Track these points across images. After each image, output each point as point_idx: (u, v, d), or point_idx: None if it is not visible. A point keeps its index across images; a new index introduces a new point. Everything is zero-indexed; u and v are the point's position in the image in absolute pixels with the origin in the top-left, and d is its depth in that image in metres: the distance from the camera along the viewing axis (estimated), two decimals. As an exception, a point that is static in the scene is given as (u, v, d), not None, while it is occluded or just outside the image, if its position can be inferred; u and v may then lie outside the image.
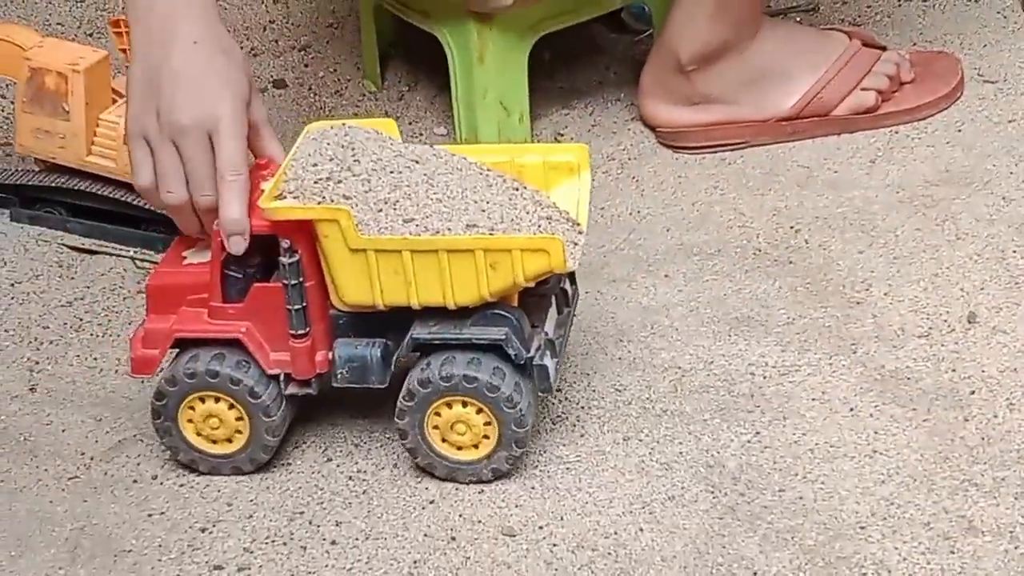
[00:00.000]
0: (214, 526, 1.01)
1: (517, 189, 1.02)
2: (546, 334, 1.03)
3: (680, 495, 1.02)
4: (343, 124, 1.05)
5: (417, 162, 1.03)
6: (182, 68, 1.03)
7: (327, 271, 1.00)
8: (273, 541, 1.00)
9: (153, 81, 1.04)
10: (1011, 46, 1.43)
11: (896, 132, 1.36)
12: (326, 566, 0.98)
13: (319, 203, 0.98)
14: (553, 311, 1.05)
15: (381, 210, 0.99)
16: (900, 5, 1.51)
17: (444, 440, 1.02)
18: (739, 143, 1.36)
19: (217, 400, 1.03)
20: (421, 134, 1.44)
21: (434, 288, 0.99)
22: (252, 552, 0.99)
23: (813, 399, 1.09)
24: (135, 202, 1.27)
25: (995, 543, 0.95)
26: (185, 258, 1.06)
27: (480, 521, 1.01)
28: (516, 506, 1.02)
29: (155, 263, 1.25)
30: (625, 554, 0.98)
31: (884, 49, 1.38)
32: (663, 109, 1.38)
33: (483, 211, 0.99)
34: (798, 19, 1.52)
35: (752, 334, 1.16)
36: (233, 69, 1.05)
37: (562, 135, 1.42)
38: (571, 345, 1.14)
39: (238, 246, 1.01)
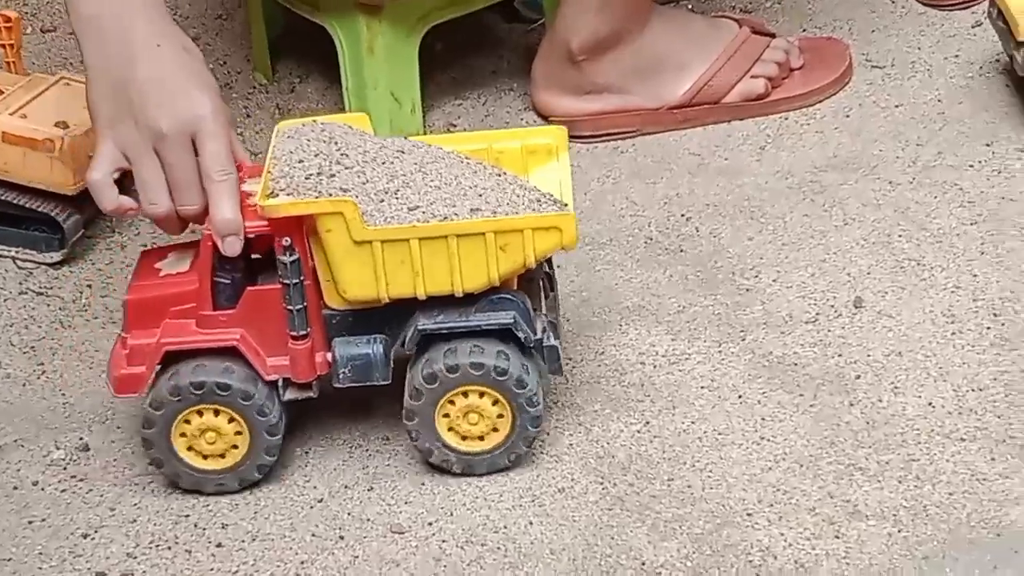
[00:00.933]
0: (96, 532, 1.00)
1: (500, 175, 1.02)
2: (547, 316, 1.02)
3: (570, 487, 1.02)
4: (314, 120, 1.03)
5: (402, 152, 1.02)
6: (151, 73, 1.00)
7: (325, 268, 0.98)
8: (157, 545, 0.99)
9: (121, 91, 1.00)
10: (899, 31, 1.45)
11: (786, 118, 1.37)
12: (211, 569, 0.97)
13: (316, 198, 0.96)
14: (542, 294, 1.05)
15: (383, 200, 0.97)
16: (791, -9, 1.52)
17: (456, 432, 1.00)
18: (631, 132, 1.36)
19: (216, 413, 0.99)
20: (313, 127, 1.42)
21: (442, 276, 0.97)
22: (136, 557, 0.98)
23: (702, 387, 1.10)
24: (15, 201, 1.24)
25: (879, 527, 0.97)
26: (160, 270, 1.03)
27: (369, 519, 1.00)
28: (406, 503, 1.02)
29: (37, 263, 1.23)
30: (514, 548, 0.98)
31: (773, 36, 1.39)
32: (555, 99, 1.38)
33: (480, 196, 0.99)
34: (690, 6, 1.53)
35: (643, 323, 1.16)
36: (201, 67, 1.03)
37: (455, 125, 1.41)
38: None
39: (233, 247, 0.98)
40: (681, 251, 1.24)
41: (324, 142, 1.00)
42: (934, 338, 1.11)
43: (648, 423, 1.07)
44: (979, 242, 1.19)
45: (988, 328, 1.11)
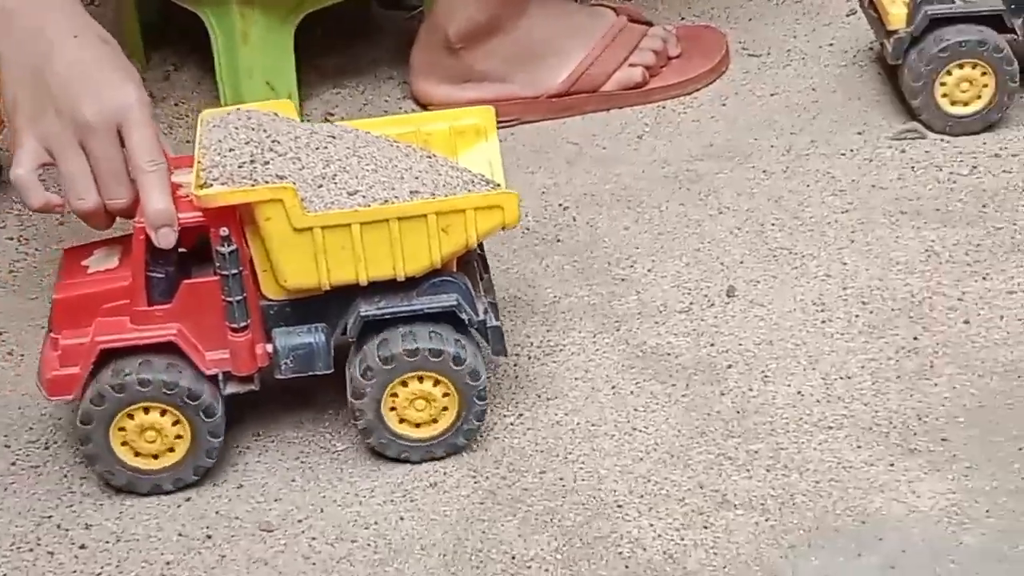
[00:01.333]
0: (-46, 536, 0.98)
1: (431, 157, 1.01)
2: (485, 297, 1.02)
3: (442, 481, 1.02)
4: (238, 108, 1.02)
5: (333, 137, 1.00)
6: (71, 64, 0.97)
7: (262, 257, 0.97)
8: (19, 548, 0.97)
9: (40, 85, 0.97)
10: (775, 19, 1.46)
11: (663, 107, 1.37)
12: (74, 571, 0.95)
13: (253, 186, 0.94)
14: (478, 276, 1.04)
15: (321, 186, 0.96)
16: (670, -21, 1.53)
17: (401, 419, 1.00)
18: (510, 120, 1.36)
19: (162, 412, 0.97)
20: (187, 115, 1.40)
21: (384, 260, 0.97)
22: (-5, 561, 0.96)
23: (576, 379, 1.10)
24: None
25: (747, 516, 0.97)
26: (87, 268, 1.00)
27: (237, 517, 0.99)
28: (275, 500, 1.00)
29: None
30: (385, 544, 0.97)
31: (651, 25, 1.39)
32: (434, 87, 1.37)
33: (416, 178, 0.98)
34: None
35: (518, 314, 1.16)
36: (121, 57, 1.00)
37: (332, 114, 1.39)
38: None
39: (168, 239, 0.95)
40: (558, 241, 1.23)
41: (252, 129, 0.99)
42: (804, 327, 1.12)
43: (522, 415, 1.07)
44: (849, 230, 1.21)
45: (857, 316, 1.13)
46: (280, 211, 0.94)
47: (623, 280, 1.19)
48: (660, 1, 1.50)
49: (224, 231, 0.95)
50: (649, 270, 1.20)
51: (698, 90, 1.38)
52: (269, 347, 0.99)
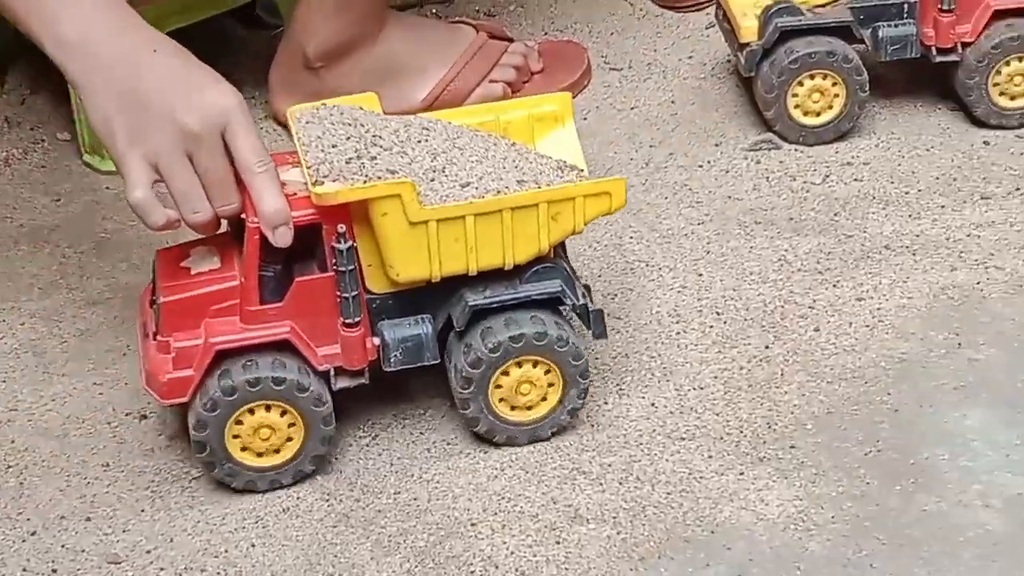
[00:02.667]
0: None
1: (515, 145, 1.02)
2: (582, 281, 1.03)
3: (295, 506, 1.01)
4: (324, 104, 1.02)
5: (427, 129, 1.01)
6: (161, 77, 0.96)
7: (368, 252, 0.97)
8: None
9: (132, 105, 0.96)
10: (636, 33, 1.47)
11: (525, 122, 1.38)
12: (-88, 614, 0.93)
13: (365, 182, 0.95)
14: (567, 260, 1.05)
15: (433, 179, 0.97)
16: (533, -6, 1.54)
17: (506, 403, 1.01)
18: (372, 138, 1.35)
19: (268, 408, 0.97)
20: (43, 139, 1.37)
21: (494, 250, 0.98)
22: None
23: (432, 397, 1.09)
24: None
25: (599, 530, 0.98)
26: (189, 269, 1.00)
27: (84, 550, 0.97)
28: (123, 531, 0.99)
29: None
30: (235, 572, 0.96)
31: (511, 41, 1.40)
32: (294, 106, 1.36)
33: (517, 167, 1.00)
34: (434, 11, 1.53)
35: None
36: (202, 63, 1.00)
37: (192, 136, 1.38)
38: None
39: (285, 237, 0.96)
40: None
41: (349, 124, 0.99)
42: (659, 339, 1.13)
43: (377, 436, 1.06)
44: (706, 241, 1.22)
45: (711, 327, 1.14)
46: (397, 206, 0.95)
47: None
48: (524, 16, 1.50)
49: (342, 228, 0.95)
50: (508, 286, 1.20)
51: (559, 105, 1.38)
52: (376, 340, 0.99)
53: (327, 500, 1.01)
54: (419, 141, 1.00)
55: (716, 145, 1.32)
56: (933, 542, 0.95)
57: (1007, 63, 1.27)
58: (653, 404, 1.08)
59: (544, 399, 1.02)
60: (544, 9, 1.51)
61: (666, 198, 1.27)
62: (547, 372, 1.01)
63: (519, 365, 1.00)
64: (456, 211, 0.96)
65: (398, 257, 0.97)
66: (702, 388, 1.08)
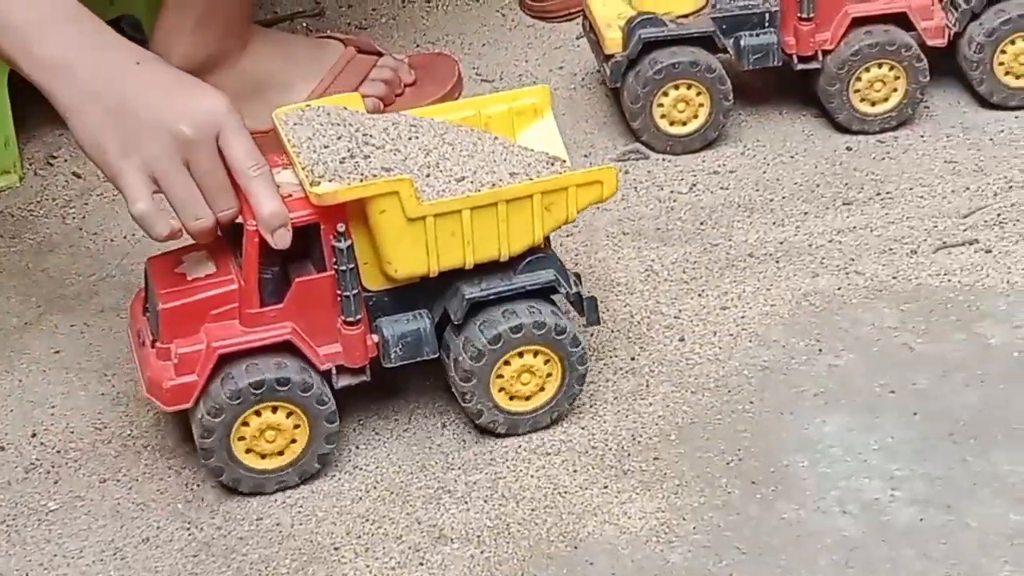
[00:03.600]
0: None
1: (498, 139, 1.04)
2: (570, 270, 1.05)
3: (155, 536, 0.99)
4: (309, 105, 1.02)
5: (414, 127, 1.02)
6: (148, 87, 0.96)
7: (364, 250, 0.98)
8: None
9: (120, 119, 0.95)
10: (508, 44, 1.47)
11: (395, 137, 1.37)
12: None
13: (361, 180, 0.96)
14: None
15: (428, 175, 0.99)
16: (404, 7, 1.53)
17: (505, 393, 1.02)
18: (240, 156, 1.34)
19: (274, 410, 0.98)
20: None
21: (490, 243, 1.00)
22: None
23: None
24: None
25: (463, 549, 0.98)
26: (185, 275, 1.00)
27: (-66, 590, 0.95)
28: (-23, 568, 0.97)
29: None
30: (92, 607, 0.94)
31: (381, 54, 1.39)
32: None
33: (505, 160, 1.01)
34: (305, 25, 1.51)
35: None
36: (183, 71, 1.00)
37: (55, 157, 1.35)
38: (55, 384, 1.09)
39: (284, 239, 0.96)
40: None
41: (338, 124, 1.00)
42: (527, 353, 1.13)
43: (241, 461, 1.05)
44: (574, 253, 1.22)
45: (578, 339, 1.14)
46: (395, 203, 0.96)
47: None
48: (397, 30, 1.50)
49: (341, 227, 0.96)
50: (376, 304, 1.19)
51: (431, 118, 1.38)
52: (375, 337, 1.00)
53: (188, 528, 0.99)
54: (409, 139, 1.01)
55: (585, 156, 1.32)
56: (791, 550, 0.96)
57: (867, 70, 1.29)
58: (519, 419, 1.08)
59: (542, 388, 1.03)
60: (416, 22, 1.50)
61: (535, 210, 1.27)
62: (546, 361, 1.02)
63: (520, 355, 1.01)
64: (453, 205, 0.98)
65: (396, 253, 0.98)
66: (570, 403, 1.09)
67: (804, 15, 1.27)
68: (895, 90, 1.29)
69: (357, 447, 1.06)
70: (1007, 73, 1.31)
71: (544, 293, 1.03)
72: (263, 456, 1.00)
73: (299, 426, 1.00)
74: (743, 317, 1.14)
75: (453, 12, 1.51)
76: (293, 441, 1.00)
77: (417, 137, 1.01)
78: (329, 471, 1.03)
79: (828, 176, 1.28)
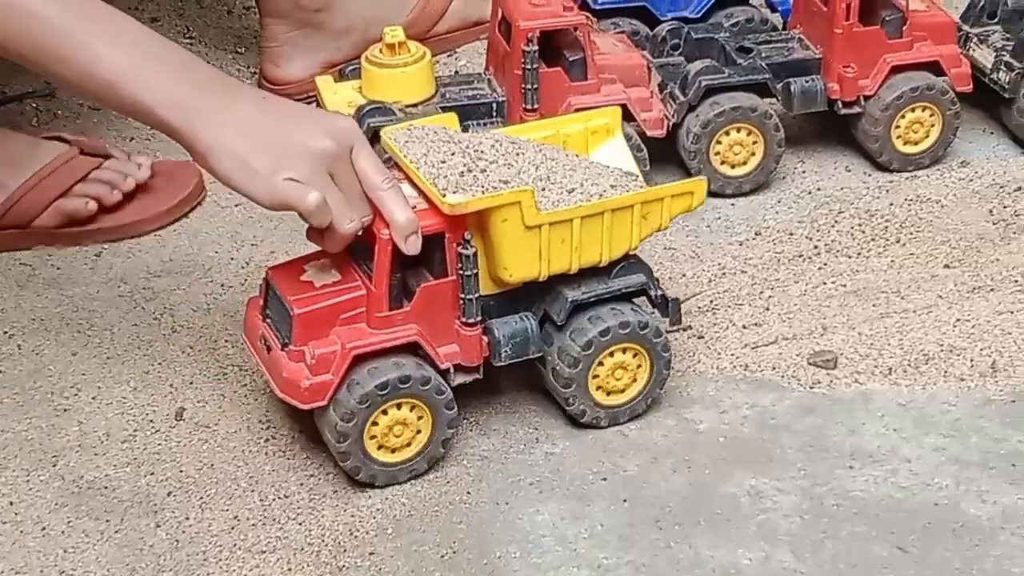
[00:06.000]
0: None
1: (577, 156, 1.12)
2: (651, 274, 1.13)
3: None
4: (413, 125, 1.10)
5: (514, 144, 1.09)
6: (285, 113, 1.04)
7: (487, 255, 1.05)
8: None
9: (268, 143, 1.02)
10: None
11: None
12: None
13: (484, 192, 1.03)
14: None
15: (544, 188, 1.06)
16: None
17: (603, 390, 1.10)
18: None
19: (398, 406, 1.05)
20: None
21: (594, 249, 1.08)
22: None
23: (4, 523, 1.05)
24: None
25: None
26: (312, 283, 1.06)
27: None
28: None
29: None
30: None
31: (108, 157, 1.36)
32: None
33: (599, 174, 1.09)
34: (35, 104, 1.48)
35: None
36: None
37: None
38: None
39: (415, 245, 1.04)
40: (1, 372, 1.18)
41: (449, 142, 1.08)
42: (248, 446, 1.12)
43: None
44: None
45: (301, 431, 1.13)
46: (516, 212, 1.04)
47: (65, 410, 1.15)
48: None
49: (468, 234, 1.04)
50: (94, 398, 1.16)
51: (148, 232, 1.33)
52: (486, 338, 1.08)
53: None
54: (517, 154, 1.09)
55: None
56: (500, 643, 0.96)
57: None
58: (236, 517, 1.06)
59: (635, 379, 1.11)
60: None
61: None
62: (635, 355, 1.10)
63: (611, 354, 1.09)
64: (566, 215, 1.06)
65: (512, 259, 1.06)
66: (286, 497, 1.08)
67: (528, 106, 1.30)
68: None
69: (65, 551, 1.02)
70: (723, 163, 1.36)
71: (632, 296, 1.11)
72: (393, 450, 1.06)
73: (422, 417, 1.07)
74: (465, 407, 1.15)
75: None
76: (418, 432, 1.07)
77: (523, 153, 1.09)
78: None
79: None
